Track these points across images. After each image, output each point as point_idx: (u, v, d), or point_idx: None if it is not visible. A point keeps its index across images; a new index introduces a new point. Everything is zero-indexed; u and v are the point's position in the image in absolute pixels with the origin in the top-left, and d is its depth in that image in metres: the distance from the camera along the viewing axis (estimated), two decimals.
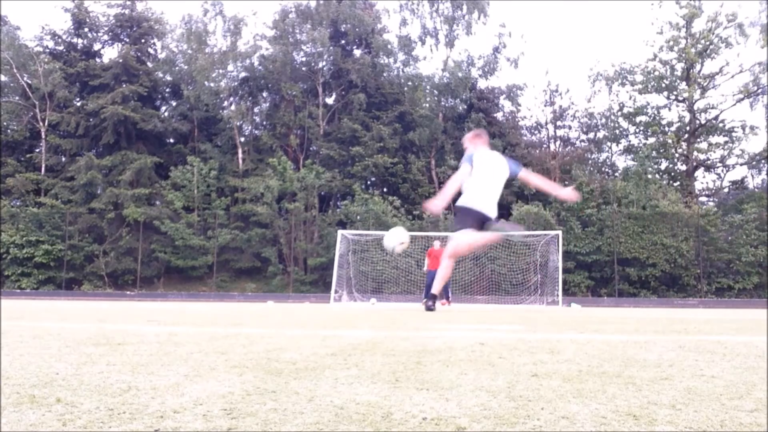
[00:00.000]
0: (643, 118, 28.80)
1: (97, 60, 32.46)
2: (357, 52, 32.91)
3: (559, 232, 18.21)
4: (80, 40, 32.80)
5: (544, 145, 32.26)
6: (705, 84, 27.87)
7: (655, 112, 28.92)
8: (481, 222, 5.82)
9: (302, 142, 31.22)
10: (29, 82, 30.05)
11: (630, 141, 29.96)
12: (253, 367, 1.54)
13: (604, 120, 30.55)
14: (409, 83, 31.71)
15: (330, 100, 33.18)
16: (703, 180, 30.43)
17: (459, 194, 5.99)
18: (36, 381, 1.29)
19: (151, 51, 33.10)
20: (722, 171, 30.05)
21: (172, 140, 32.30)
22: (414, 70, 32.17)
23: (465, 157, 5.94)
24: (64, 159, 30.53)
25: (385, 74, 32.00)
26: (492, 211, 5.89)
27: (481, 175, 5.84)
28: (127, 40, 31.96)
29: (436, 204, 5.66)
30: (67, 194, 28.20)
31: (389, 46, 31.66)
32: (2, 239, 24.95)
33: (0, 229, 25.21)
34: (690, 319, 4.52)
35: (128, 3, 32.17)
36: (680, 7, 27.07)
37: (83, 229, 26.65)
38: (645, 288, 21.47)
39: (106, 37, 33.33)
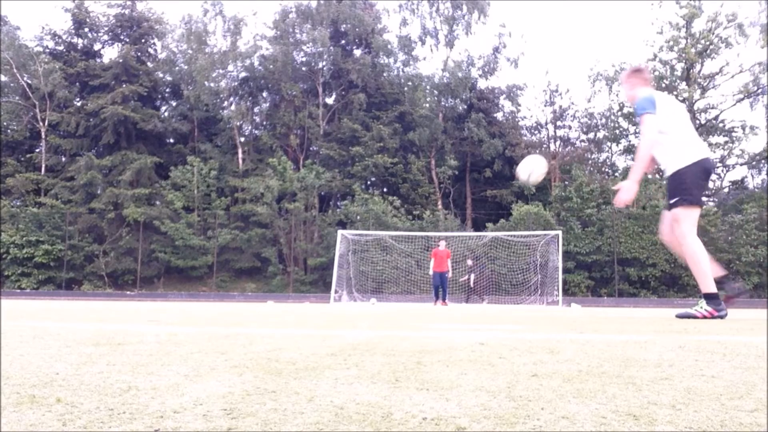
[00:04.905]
0: None
1: (97, 60, 32.48)
2: (357, 52, 32.92)
3: (559, 232, 18.22)
4: (80, 40, 32.82)
5: (544, 145, 32.25)
6: (705, 84, 27.86)
7: None
8: (708, 174, 4.58)
9: (302, 142, 31.23)
10: (29, 82, 30.06)
11: (630, 141, 29.96)
12: (253, 367, 1.54)
13: (604, 120, 30.55)
14: (409, 83, 31.72)
15: (330, 100, 33.20)
16: None
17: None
18: (36, 381, 1.29)
19: (151, 51, 33.13)
20: (722, 171, 30.06)
21: (172, 140, 32.32)
22: (414, 70, 32.19)
23: (640, 105, 4.44)
24: (64, 159, 30.55)
25: (385, 74, 32.01)
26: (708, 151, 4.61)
27: (674, 116, 4.48)
28: (127, 40, 31.98)
29: (630, 189, 4.36)
30: (67, 194, 28.21)
31: (389, 46, 31.66)
32: (2, 239, 24.96)
33: (0, 229, 25.22)
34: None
35: (128, 3, 32.19)
36: (680, 7, 27.06)
37: (83, 229, 26.66)
38: (645, 288, 21.48)
39: (106, 37, 33.37)
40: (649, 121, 4.32)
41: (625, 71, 4.95)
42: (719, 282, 4.48)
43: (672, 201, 4.47)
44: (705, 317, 4.30)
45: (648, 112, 4.33)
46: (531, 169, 5.16)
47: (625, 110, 29.39)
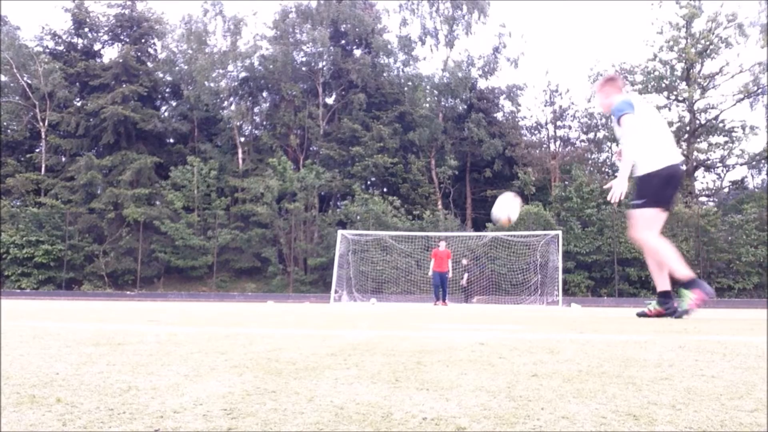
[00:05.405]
0: None
1: (97, 60, 32.47)
2: (357, 52, 32.92)
3: (559, 232, 18.21)
4: (80, 40, 32.82)
5: (544, 145, 32.25)
6: (705, 84, 27.86)
7: None
8: (677, 180, 4.71)
9: (302, 142, 31.22)
10: (29, 82, 30.05)
11: None
12: (253, 367, 1.54)
13: (604, 120, 30.54)
14: (409, 83, 31.72)
15: (330, 100, 33.20)
16: (703, 180, 30.46)
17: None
18: (36, 381, 1.29)
19: (151, 51, 33.12)
20: (722, 171, 30.07)
21: (172, 140, 32.32)
22: (414, 70, 32.18)
23: (619, 107, 4.57)
24: (64, 159, 30.54)
25: (385, 74, 32.00)
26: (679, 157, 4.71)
27: (650, 120, 4.63)
28: (127, 40, 31.98)
29: (621, 185, 4.49)
30: (67, 194, 28.21)
31: (389, 46, 31.66)
32: (2, 239, 24.95)
33: (0, 229, 25.21)
34: (690, 319, 4.52)
35: (128, 3, 32.19)
36: (680, 7, 27.06)
37: (83, 229, 26.66)
38: (645, 288, 21.47)
39: (106, 37, 33.36)
40: (630, 121, 4.49)
41: (598, 81, 5.15)
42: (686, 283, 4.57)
43: (638, 202, 4.61)
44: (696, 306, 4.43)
45: (627, 113, 4.50)
46: (503, 209, 5.59)
47: None
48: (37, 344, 2.10)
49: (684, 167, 5.07)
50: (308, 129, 30.81)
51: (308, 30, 30.89)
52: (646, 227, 4.56)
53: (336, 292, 17.19)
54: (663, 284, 4.57)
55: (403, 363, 1.63)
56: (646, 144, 4.57)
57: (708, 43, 26.85)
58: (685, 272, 4.43)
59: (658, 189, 4.52)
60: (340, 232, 18.43)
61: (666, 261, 4.55)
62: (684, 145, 28.50)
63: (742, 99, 27.65)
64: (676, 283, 4.57)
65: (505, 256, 20.18)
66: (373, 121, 29.75)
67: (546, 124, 32.36)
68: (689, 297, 4.41)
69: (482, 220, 26.57)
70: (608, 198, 4.64)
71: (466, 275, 19.09)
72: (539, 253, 19.10)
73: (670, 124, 28.82)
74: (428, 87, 31.60)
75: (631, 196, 4.72)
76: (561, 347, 2.10)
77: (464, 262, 19.36)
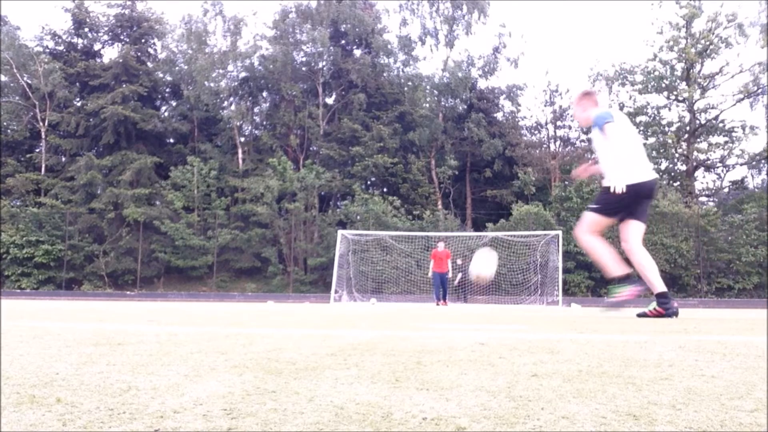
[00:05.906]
0: (643, 118, 28.79)
1: (97, 60, 32.47)
2: (357, 52, 32.92)
3: (559, 232, 18.21)
4: (80, 40, 32.82)
5: (544, 145, 32.25)
6: (705, 84, 27.86)
7: (655, 112, 28.93)
8: (640, 196, 4.80)
9: (302, 142, 31.22)
10: (29, 82, 30.05)
11: None
12: (253, 367, 1.54)
13: None
14: (409, 83, 31.72)
15: (330, 100, 33.20)
16: (703, 180, 30.46)
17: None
18: (36, 381, 1.29)
19: (151, 51, 33.12)
20: (722, 171, 30.07)
21: (172, 140, 32.32)
22: (414, 70, 32.18)
23: (601, 117, 4.81)
24: (64, 159, 30.54)
25: (385, 74, 32.00)
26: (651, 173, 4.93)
27: (627, 133, 4.85)
28: (127, 40, 31.97)
29: (620, 183, 4.59)
30: (67, 194, 28.21)
31: (389, 46, 31.66)
32: (2, 239, 24.95)
33: (0, 229, 25.21)
34: (690, 319, 4.52)
35: (128, 3, 32.19)
36: (680, 7, 27.06)
37: (83, 229, 26.66)
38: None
39: (106, 37, 33.36)
40: (613, 129, 4.77)
41: (576, 95, 5.42)
42: (623, 279, 4.84)
43: (592, 206, 4.96)
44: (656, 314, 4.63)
45: (609, 122, 4.78)
46: (481, 265, 6.27)
47: (625, 110, 29.39)
48: (37, 344, 2.10)
49: (655, 183, 5.26)
50: (308, 129, 30.80)
51: (308, 30, 30.89)
52: (588, 229, 4.90)
53: (336, 292, 17.20)
54: (659, 285, 4.69)
55: (403, 363, 1.63)
56: (618, 159, 4.78)
57: (708, 43, 26.85)
58: (618, 271, 4.73)
59: (616, 201, 4.72)
60: (340, 232, 18.43)
61: (598, 260, 4.89)
62: (684, 145, 28.50)
63: (742, 99, 27.65)
64: (613, 280, 4.83)
65: (505, 256, 20.17)
66: (373, 121, 29.75)
67: (546, 124, 32.37)
68: (622, 290, 4.69)
69: (482, 220, 26.58)
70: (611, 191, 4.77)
71: (459, 275, 19.09)
72: (539, 253, 19.10)
73: (670, 124, 28.87)
74: (428, 87, 31.60)
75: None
76: (561, 347, 2.10)
77: (459, 261, 19.36)
